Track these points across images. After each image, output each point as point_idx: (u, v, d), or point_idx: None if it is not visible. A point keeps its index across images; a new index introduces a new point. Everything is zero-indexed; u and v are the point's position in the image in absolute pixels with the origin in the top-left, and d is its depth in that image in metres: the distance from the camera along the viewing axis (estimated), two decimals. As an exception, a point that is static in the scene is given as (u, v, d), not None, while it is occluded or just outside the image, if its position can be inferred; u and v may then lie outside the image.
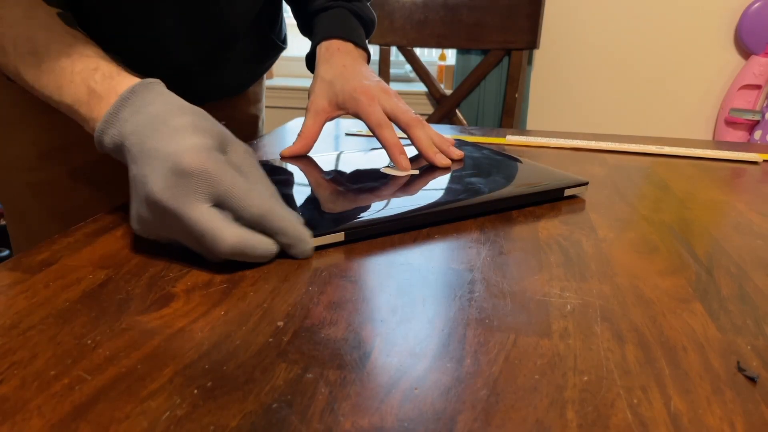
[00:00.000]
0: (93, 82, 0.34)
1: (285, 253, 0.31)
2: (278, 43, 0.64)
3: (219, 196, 0.29)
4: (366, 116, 0.46)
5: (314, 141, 0.49)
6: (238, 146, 0.33)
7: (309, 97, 0.51)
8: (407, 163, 0.44)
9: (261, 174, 0.33)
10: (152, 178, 0.29)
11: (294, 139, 0.51)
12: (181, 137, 0.29)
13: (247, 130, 0.68)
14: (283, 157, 0.48)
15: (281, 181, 0.41)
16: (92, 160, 0.49)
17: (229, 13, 0.50)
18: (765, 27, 1.43)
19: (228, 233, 0.28)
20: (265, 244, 0.30)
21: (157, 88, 0.34)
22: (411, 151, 0.52)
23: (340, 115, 0.50)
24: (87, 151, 0.43)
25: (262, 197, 0.30)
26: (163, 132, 0.30)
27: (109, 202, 0.49)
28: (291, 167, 0.45)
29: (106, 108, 0.33)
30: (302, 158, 0.48)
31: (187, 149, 0.29)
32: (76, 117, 0.35)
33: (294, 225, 0.31)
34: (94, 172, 0.51)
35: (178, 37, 0.48)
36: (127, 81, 0.34)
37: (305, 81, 1.95)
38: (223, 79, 0.58)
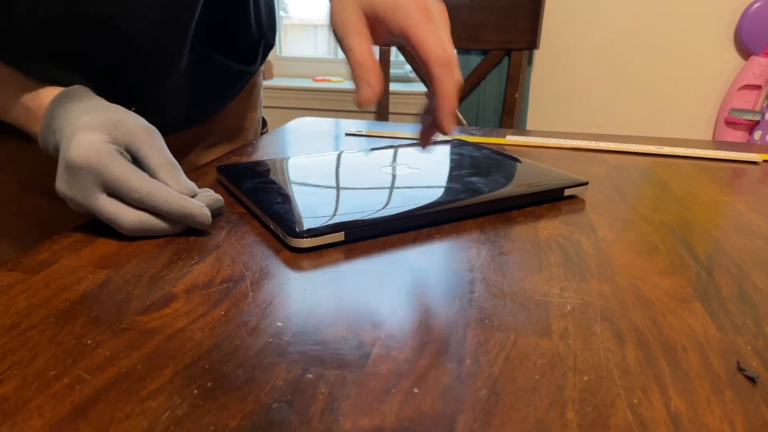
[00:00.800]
0: (24, 101, 0.38)
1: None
2: (240, 68, 0.57)
3: (107, 185, 0.32)
4: (419, 43, 0.32)
5: (378, 70, 0.33)
6: (124, 131, 0.34)
7: (331, 20, 0.35)
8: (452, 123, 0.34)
9: (152, 155, 0.34)
10: (58, 175, 0.33)
11: (294, 139, 0.50)
12: (75, 135, 0.33)
13: (235, 144, 0.63)
14: (363, 105, 0.34)
15: (281, 180, 0.41)
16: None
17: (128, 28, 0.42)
18: (765, 27, 1.43)
19: (126, 218, 0.32)
20: (160, 225, 0.33)
21: (75, 94, 0.37)
22: (416, 150, 0.52)
23: (386, 39, 0.35)
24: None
25: (140, 182, 0.32)
26: (66, 133, 0.34)
27: None
28: (291, 167, 0.45)
29: (41, 123, 0.37)
30: (302, 158, 0.48)
31: (74, 146, 0.32)
32: (29, 134, 0.39)
33: (177, 203, 0.32)
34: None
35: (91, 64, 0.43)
36: (51, 93, 0.38)
37: (305, 81, 1.95)
38: (167, 111, 0.52)
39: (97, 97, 0.38)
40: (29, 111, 0.38)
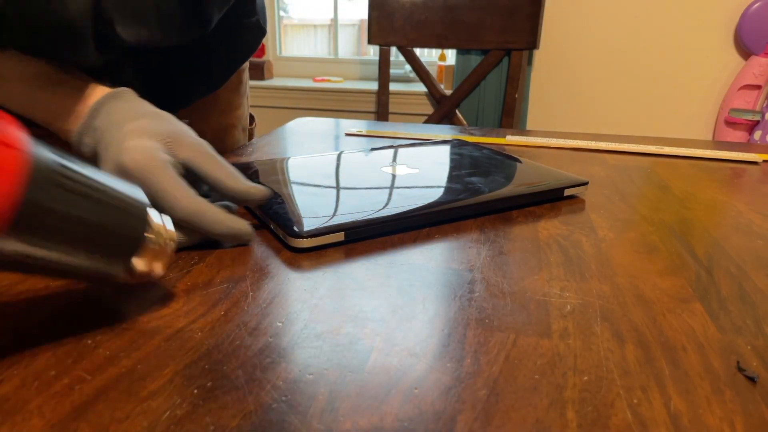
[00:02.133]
0: (61, 97, 0.37)
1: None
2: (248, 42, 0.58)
3: (150, 195, 0.31)
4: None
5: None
6: (184, 145, 0.33)
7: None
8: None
9: (213, 168, 0.33)
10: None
11: (294, 139, 0.50)
12: (128, 138, 0.32)
13: (218, 142, 0.63)
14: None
15: (281, 181, 0.41)
16: None
17: None
18: (765, 27, 1.43)
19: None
20: (182, 238, 0.32)
21: (124, 95, 0.36)
22: (416, 150, 0.52)
23: None
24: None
25: (188, 200, 0.31)
26: (116, 136, 0.33)
27: None
28: (291, 167, 0.45)
29: (79, 120, 0.36)
30: (302, 158, 0.48)
31: (130, 149, 0.31)
32: (51, 128, 0.38)
33: (226, 224, 0.31)
34: None
35: None
36: (94, 91, 0.37)
37: (305, 81, 1.96)
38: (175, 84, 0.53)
39: (144, 100, 0.37)
40: (66, 107, 0.36)
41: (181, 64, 0.52)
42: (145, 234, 0.24)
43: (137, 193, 0.25)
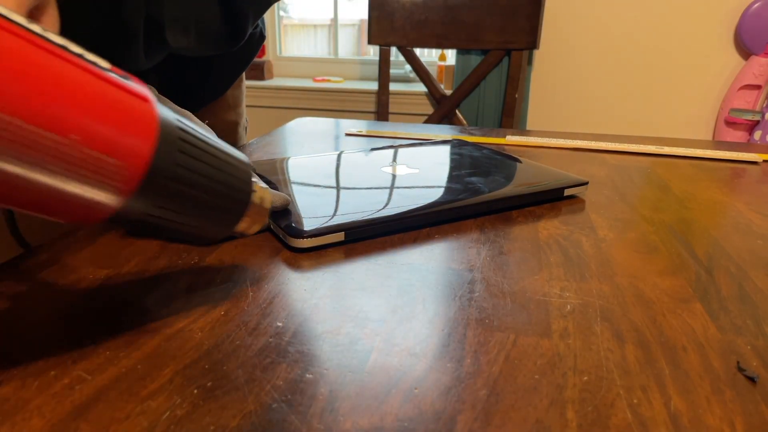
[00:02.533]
0: None
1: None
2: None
3: None
4: None
5: None
6: None
7: None
8: None
9: None
10: None
11: (294, 139, 0.50)
12: None
13: (227, 138, 0.65)
14: None
15: (281, 180, 0.41)
16: None
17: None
18: (765, 27, 1.43)
19: None
20: None
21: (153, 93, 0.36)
22: (416, 150, 0.52)
23: None
24: None
25: None
26: None
27: None
28: (291, 167, 0.45)
29: None
30: (302, 158, 0.48)
31: None
32: None
33: (280, 194, 0.34)
34: None
35: None
36: None
37: (305, 81, 1.96)
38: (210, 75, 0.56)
39: (166, 99, 0.37)
40: None
41: (195, 70, 0.52)
42: (251, 195, 0.24)
43: (240, 154, 0.25)
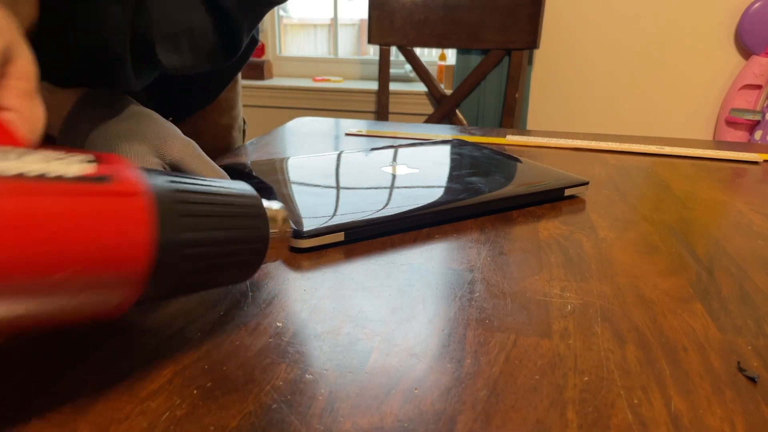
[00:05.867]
0: (45, 92, 0.36)
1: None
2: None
3: None
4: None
5: None
6: (174, 147, 0.34)
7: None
8: None
9: (201, 168, 0.34)
10: None
11: (293, 139, 0.50)
12: (119, 143, 0.32)
13: (219, 142, 0.64)
14: None
15: (281, 181, 0.41)
16: None
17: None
18: (765, 27, 1.43)
19: None
20: None
21: (106, 94, 0.36)
22: (416, 150, 0.52)
23: None
24: None
25: None
26: (103, 139, 0.33)
27: None
28: (291, 167, 0.45)
29: (59, 121, 0.35)
30: (302, 158, 0.48)
31: (121, 155, 0.32)
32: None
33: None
34: None
35: None
36: (77, 90, 0.36)
37: (305, 81, 1.95)
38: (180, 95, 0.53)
39: (127, 97, 0.37)
40: (47, 106, 0.37)
41: (184, 79, 0.52)
42: (270, 230, 0.24)
43: (246, 188, 0.24)
